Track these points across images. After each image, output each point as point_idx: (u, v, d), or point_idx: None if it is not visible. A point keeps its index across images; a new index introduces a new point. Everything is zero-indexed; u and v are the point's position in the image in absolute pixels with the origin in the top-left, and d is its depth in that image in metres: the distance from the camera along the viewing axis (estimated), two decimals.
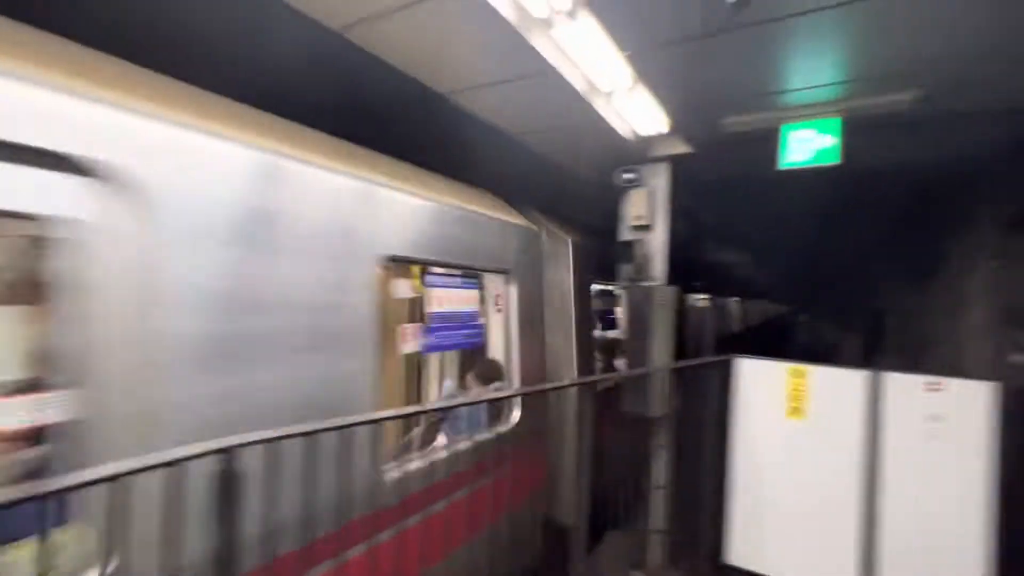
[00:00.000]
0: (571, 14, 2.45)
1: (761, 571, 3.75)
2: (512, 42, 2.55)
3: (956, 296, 4.93)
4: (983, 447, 3.21)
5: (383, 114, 2.99)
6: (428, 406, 2.25)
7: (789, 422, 3.88)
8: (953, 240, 5.13)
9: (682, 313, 4.68)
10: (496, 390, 3.28)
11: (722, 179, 5.37)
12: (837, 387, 3.74)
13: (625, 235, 4.81)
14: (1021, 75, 2.84)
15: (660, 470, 3.95)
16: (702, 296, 11.08)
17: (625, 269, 4.65)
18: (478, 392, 3.19)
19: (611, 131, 3.85)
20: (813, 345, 19.45)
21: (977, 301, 4.44)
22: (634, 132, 4.13)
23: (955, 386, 3.33)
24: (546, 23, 2.51)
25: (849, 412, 3.66)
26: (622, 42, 2.65)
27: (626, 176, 4.70)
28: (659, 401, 3.69)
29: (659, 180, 4.62)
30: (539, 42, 2.60)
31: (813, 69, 2.86)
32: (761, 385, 3.97)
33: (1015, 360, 3.64)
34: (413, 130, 3.17)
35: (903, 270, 7.09)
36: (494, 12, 2.31)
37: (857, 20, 2.38)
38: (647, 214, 4.58)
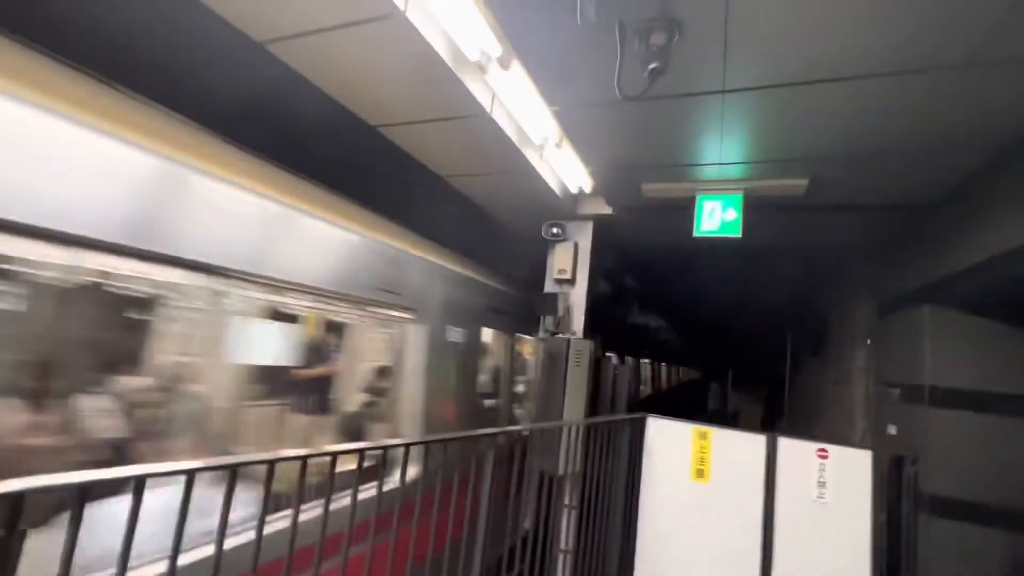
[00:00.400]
0: (503, 63, 2.51)
1: None
2: (445, 81, 2.55)
3: (844, 369, 5.38)
4: (864, 508, 3.40)
5: (303, 133, 2.84)
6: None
7: (694, 484, 3.92)
8: (840, 317, 5.68)
9: (598, 369, 4.69)
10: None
11: (641, 244, 5.65)
12: (738, 450, 3.85)
13: (549, 287, 4.85)
14: (895, 179, 3.26)
15: (567, 532, 3.78)
16: (619, 356, 11.36)
17: (545, 320, 4.66)
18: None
19: (542, 184, 3.94)
20: (721, 410, 20.51)
21: (858, 375, 4.86)
22: (563, 187, 4.27)
23: (838, 453, 3.53)
24: (479, 67, 2.55)
25: (748, 474, 3.76)
26: (550, 97, 2.74)
27: (553, 230, 4.80)
28: (569, 458, 3.58)
29: (583, 237, 4.76)
30: (473, 85, 2.63)
31: (720, 147, 3.11)
32: (669, 445, 4.01)
33: (888, 431, 3.96)
34: (335, 155, 3.04)
35: (800, 342, 7.73)
36: (428, 47, 2.31)
37: (760, 107, 2.63)
38: (570, 268, 4.67)
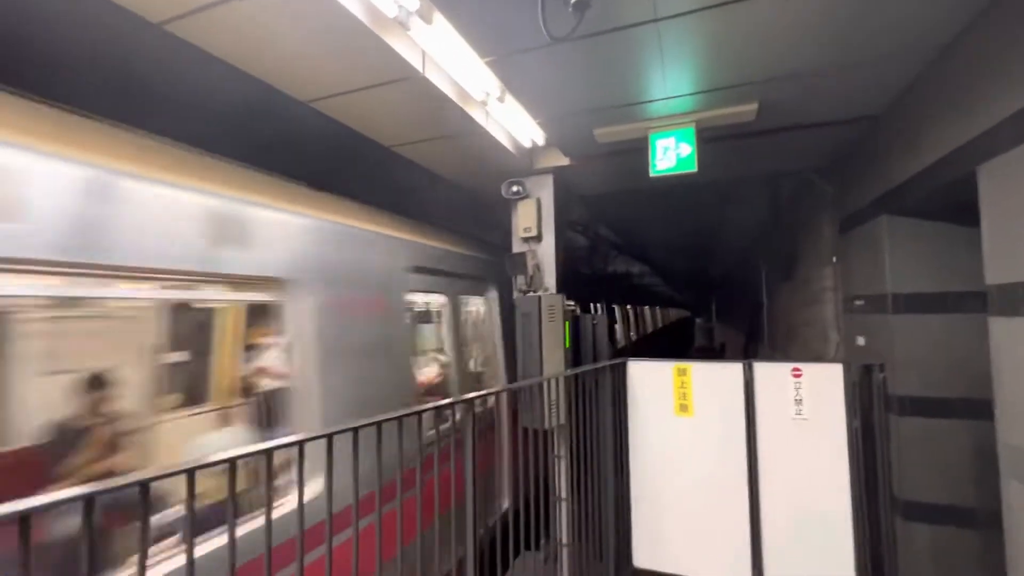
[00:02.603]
0: (425, 16, 2.37)
1: (668, 570, 3.80)
2: (369, 44, 2.41)
3: (814, 289, 5.51)
4: (840, 419, 3.55)
5: (229, 117, 2.69)
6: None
7: (678, 419, 4.04)
8: (807, 240, 5.76)
9: (577, 322, 4.73)
10: None
11: (605, 191, 5.60)
12: (717, 381, 3.95)
13: (517, 246, 4.81)
14: (840, 93, 3.23)
15: (561, 482, 3.90)
16: (602, 305, 11.49)
17: (518, 280, 4.64)
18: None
19: (493, 142, 3.83)
20: (708, 345, 21.10)
21: (828, 293, 4.98)
22: (515, 143, 4.16)
23: (811, 370, 3.64)
24: (401, 24, 2.41)
25: (729, 404, 3.88)
26: (481, 48, 2.61)
27: (513, 188, 4.72)
28: (554, 412, 3.64)
29: (544, 192, 4.69)
30: (399, 45, 2.49)
31: (664, 80, 3.03)
32: (651, 386, 4.10)
33: (857, 343, 4.09)
34: (269, 137, 2.89)
35: (774, 269, 7.87)
36: (341, 8, 2.16)
37: (696, 33, 2.55)
38: (535, 225, 4.62)
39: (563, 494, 3.84)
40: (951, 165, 2.65)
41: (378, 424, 1.79)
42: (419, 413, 2.04)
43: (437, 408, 2.20)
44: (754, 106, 3.34)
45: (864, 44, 2.64)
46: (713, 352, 19.37)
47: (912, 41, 2.62)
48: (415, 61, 2.66)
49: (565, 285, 4.80)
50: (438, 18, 2.43)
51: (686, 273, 18.61)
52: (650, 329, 20.22)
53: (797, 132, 3.88)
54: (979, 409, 2.97)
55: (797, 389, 3.72)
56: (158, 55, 2.29)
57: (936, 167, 2.79)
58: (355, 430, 1.70)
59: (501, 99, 3.21)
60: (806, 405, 3.69)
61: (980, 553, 3.17)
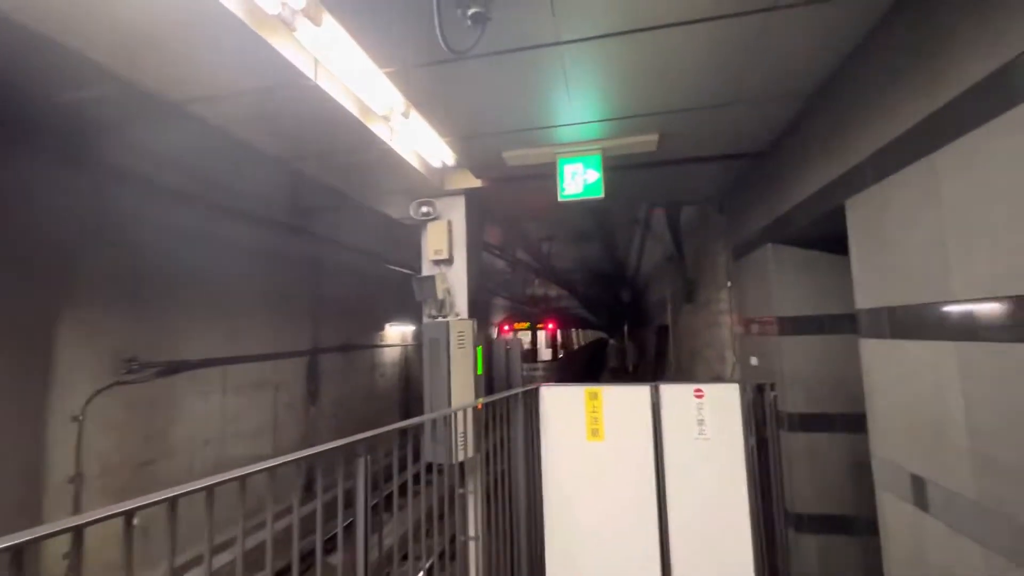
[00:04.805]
0: (312, 16, 2.16)
1: None
2: (247, 43, 2.14)
3: (712, 311, 5.83)
4: (738, 436, 3.70)
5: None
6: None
7: (591, 445, 4.00)
8: (705, 265, 6.13)
9: (490, 347, 4.58)
10: None
11: (518, 214, 5.58)
12: (627, 403, 3.98)
13: (426, 269, 4.60)
14: (731, 128, 3.45)
15: (471, 519, 3.67)
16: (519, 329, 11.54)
17: (427, 305, 4.42)
18: None
19: (398, 159, 3.64)
20: (621, 366, 21.91)
21: (724, 316, 5.29)
22: (424, 163, 3.99)
23: (711, 390, 3.78)
24: (283, 22, 2.17)
25: (638, 426, 3.91)
26: (380, 58, 2.44)
27: (423, 209, 4.53)
28: (462, 445, 3.43)
29: (455, 213, 4.55)
30: (283, 46, 2.25)
31: (570, 105, 3.05)
32: (564, 411, 4.04)
33: (751, 363, 4.34)
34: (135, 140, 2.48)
35: (677, 293, 8.31)
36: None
37: (598, 60, 2.57)
38: (446, 248, 4.45)
39: (472, 532, 3.61)
40: (824, 199, 2.89)
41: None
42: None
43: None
44: (655, 137, 3.47)
45: (751, 84, 2.83)
46: (626, 372, 20.15)
47: (790, 85, 2.85)
48: (305, 66, 2.43)
49: (479, 309, 4.66)
50: (328, 20, 2.23)
51: (600, 296, 19.34)
52: (570, 348, 20.92)
53: (694, 164, 4.10)
54: (856, 423, 3.21)
55: (699, 409, 3.84)
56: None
57: (811, 200, 3.03)
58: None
59: (406, 115, 3.04)
60: (708, 425, 3.82)
61: (862, 559, 3.39)
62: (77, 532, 1.22)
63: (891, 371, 2.36)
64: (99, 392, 4.85)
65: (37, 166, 4.08)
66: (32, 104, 2.25)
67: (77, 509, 4.54)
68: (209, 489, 1.52)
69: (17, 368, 4.15)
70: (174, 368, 5.69)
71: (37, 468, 4.30)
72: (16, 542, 1.08)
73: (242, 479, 1.62)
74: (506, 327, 17.85)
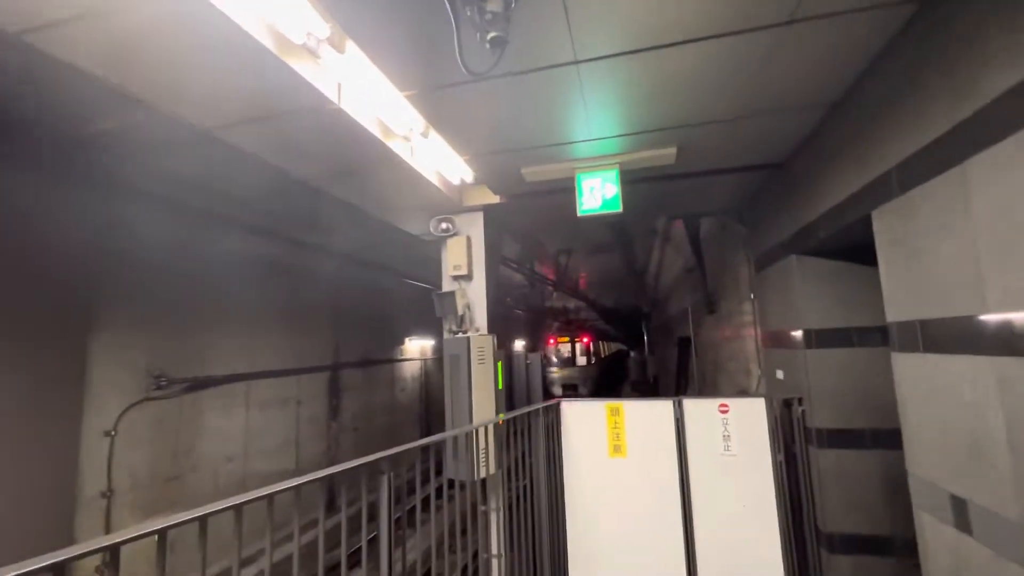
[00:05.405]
0: (336, 44, 2.24)
1: None
2: (277, 70, 2.23)
3: (735, 324, 5.73)
4: (765, 452, 3.61)
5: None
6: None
7: (613, 461, 3.95)
8: (728, 277, 6.05)
9: (511, 362, 4.58)
10: None
11: (538, 229, 5.61)
12: (649, 418, 3.92)
13: (447, 285, 4.64)
14: (752, 139, 3.42)
15: (493, 536, 3.64)
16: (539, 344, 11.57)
17: (447, 320, 4.45)
18: None
19: (418, 178, 3.71)
20: (641, 379, 21.68)
21: (748, 328, 5.19)
22: (444, 180, 4.06)
23: (736, 405, 3.71)
24: (309, 51, 2.25)
25: (661, 443, 3.85)
26: (401, 81, 2.51)
27: (442, 225, 4.59)
28: (484, 462, 3.42)
29: (474, 229, 4.60)
30: (311, 73, 2.33)
31: (588, 121, 3.07)
32: (585, 427, 4.00)
33: (777, 376, 4.24)
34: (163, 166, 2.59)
35: (699, 304, 8.20)
36: (238, 30, 1.98)
37: (615, 77, 2.59)
38: (465, 263, 4.49)
39: (495, 550, 3.58)
40: (849, 209, 2.83)
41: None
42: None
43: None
44: (673, 150, 3.46)
45: (770, 96, 2.81)
46: (647, 385, 19.90)
47: (810, 95, 2.83)
48: (329, 91, 2.51)
49: (498, 323, 4.67)
50: (352, 47, 2.30)
51: (619, 308, 19.26)
52: (590, 360, 22.10)
53: (713, 176, 4.07)
54: (888, 439, 3.10)
55: (724, 425, 3.76)
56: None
57: (836, 211, 2.98)
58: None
59: (425, 135, 3.10)
60: (733, 440, 3.74)
61: None
62: (114, 550, 1.25)
63: (926, 386, 2.29)
64: (130, 407, 4.98)
65: (67, 190, 4.27)
66: (69, 133, 2.39)
67: (108, 524, 4.65)
68: (237, 508, 1.55)
69: (57, 385, 4.30)
70: (201, 384, 5.82)
71: (71, 483, 4.42)
72: (57, 560, 1.11)
73: (270, 497, 1.65)
74: (551, 341, 22.18)
